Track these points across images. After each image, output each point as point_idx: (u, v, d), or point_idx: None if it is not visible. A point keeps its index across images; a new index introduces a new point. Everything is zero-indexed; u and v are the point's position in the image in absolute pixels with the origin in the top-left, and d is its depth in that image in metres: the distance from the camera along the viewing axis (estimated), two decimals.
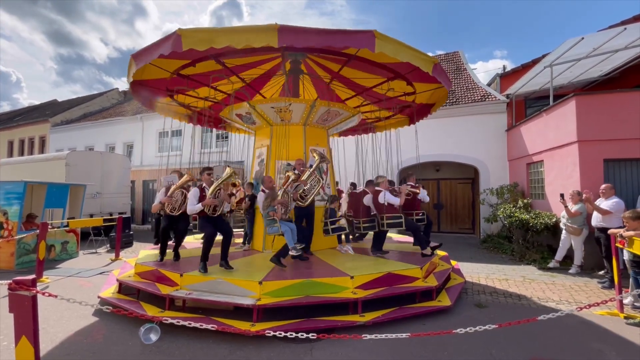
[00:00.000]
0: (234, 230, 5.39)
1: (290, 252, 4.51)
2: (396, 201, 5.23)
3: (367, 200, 5.48)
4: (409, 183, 5.99)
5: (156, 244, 5.85)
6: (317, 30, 3.93)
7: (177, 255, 5.09)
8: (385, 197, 5.23)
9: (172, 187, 4.93)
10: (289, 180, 5.05)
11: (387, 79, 5.83)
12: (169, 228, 5.13)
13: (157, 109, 6.96)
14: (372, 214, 5.51)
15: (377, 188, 5.45)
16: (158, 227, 5.87)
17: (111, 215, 10.54)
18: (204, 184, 4.57)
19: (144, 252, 5.68)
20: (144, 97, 6.23)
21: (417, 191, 5.79)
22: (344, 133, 8.83)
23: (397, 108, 6.96)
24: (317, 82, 6.86)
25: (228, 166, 4.83)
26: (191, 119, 7.72)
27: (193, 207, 4.36)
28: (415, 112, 7.20)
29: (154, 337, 3.34)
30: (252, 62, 5.90)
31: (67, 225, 7.64)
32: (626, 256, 4.25)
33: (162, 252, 5.04)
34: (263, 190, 4.84)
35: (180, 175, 5.28)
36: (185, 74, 5.68)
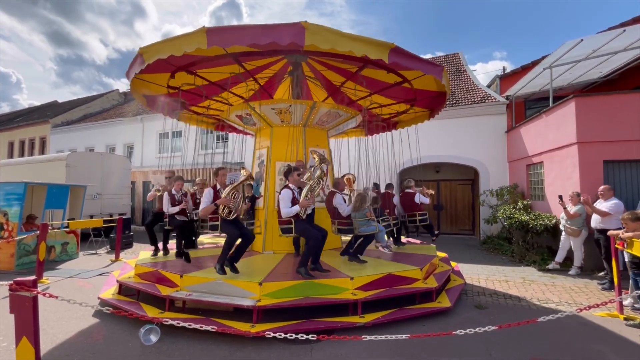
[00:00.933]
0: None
1: (383, 249, 5.53)
2: (427, 201, 6.21)
3: (396, 200, 6.29)
4: (422, 188, 6.61)
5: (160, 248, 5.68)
6: (242, 28, 3.79)
7: (187, 256, 4.99)
8: (420, 199, 6.16)
9: (227, 188, 4.39)
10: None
11: (359, 68, 5.36)
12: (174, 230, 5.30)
13: (184, 118, 7.46)
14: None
15: (409, 190, 6.30)
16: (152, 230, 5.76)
17: (111, 216, 10.54)
18: (217, 185, 4.58)
19: (144, 253, 5.69)
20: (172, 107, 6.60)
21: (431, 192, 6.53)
22: (369, 132, 8.35)
23: (409, 101, 6.78)
24: (326, 84, 6.81)
25: (243, 168, 4.69)
26: (218, 126, 8.41)
27: (206, 206, 4.34)
28: (431, 102, 6.74)
29: (154, 338, 3.34)
30: (263, 64, 5.95)
31: (67, 226, 7.64)
32: (626, 258, 4.26)
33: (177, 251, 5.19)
34: (339, 193, 4.89)
35: (174, 177, 5.49)
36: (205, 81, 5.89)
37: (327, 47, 3.77)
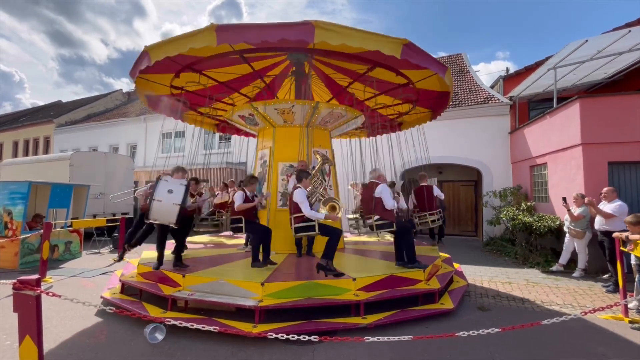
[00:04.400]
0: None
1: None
2: (442, 196, 5.97)
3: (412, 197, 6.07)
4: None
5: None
6: (253, 26, 3.79)
7: (179, 259, 4.81)
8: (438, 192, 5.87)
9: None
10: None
11: (367, 69, 5.35)
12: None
13: (189, 120, 7.53)
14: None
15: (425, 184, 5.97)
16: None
17: (114, 215, 10.58)
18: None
19: (147, 253, 5.70)
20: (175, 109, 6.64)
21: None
22: (373, 133, 8.39)
23: (410, 101, 6.71)
24: (331, 84, 6.81)
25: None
26: (220, 128, 8.48)
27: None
28: (434, 103, 6.70)
29: (159, 336, 3.35)
30: (267, 65, 5.97)
31: (70, 226, 7.68)
32: (633, 260, 4.22)
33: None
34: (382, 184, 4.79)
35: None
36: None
37: (337, 42, 3.76)
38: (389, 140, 7.47)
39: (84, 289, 5.30)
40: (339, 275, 4.09)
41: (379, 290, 4.06)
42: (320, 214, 4.20)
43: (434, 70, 4.65)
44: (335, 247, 4.25)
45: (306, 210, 4.15)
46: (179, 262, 4.67)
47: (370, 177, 4.82)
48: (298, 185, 4.38)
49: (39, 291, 2.32)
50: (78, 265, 7.08)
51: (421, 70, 4.90)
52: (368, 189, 4.70)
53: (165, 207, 4.05)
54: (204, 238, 7.58)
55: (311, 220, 4.17)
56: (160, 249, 4.57)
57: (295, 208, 4.24)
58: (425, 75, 5.30)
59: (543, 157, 8.08)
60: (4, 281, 5.38)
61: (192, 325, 2.46)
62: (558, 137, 7.29)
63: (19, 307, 2.32)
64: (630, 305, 4.21)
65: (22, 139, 22.20)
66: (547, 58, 8.53)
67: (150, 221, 4.23)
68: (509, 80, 11.21)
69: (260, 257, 4.52)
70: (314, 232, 4.23)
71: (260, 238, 4.60)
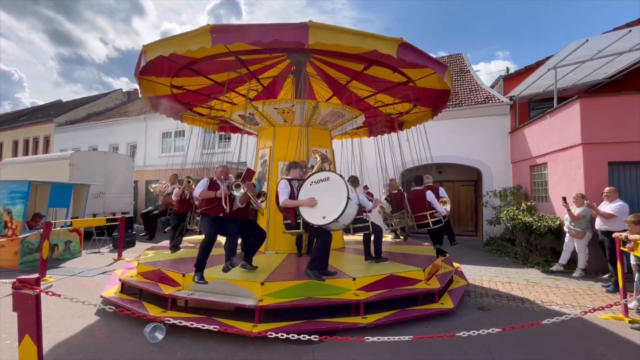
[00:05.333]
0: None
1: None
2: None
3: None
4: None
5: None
6: (248, 27, 3.82)
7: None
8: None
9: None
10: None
11: (364, 67, 5.37)
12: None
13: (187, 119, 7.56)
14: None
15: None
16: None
17: (114, 215, 10.57)
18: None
19: (147, 252, 5.70)
20: (175, 109, 6.69)
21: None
22: (373, 133, 8.41)
23: (410, 100, 6.66)
24: (332, 84, 6.81)
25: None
26: (220, 127, 8.63)
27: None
28: (434, 101, 6.71)
29: (159, 335, 3.35)
30: (267, 65, 5.96)
31: (70, 225, 7.68)
32: (632, 260, 4.22)
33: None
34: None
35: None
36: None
37: (330, 42, 3.77)
38: (390, 139, 7.48)
39: (83, 288, 5.30)
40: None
41: (378, 290, 4.06)
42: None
43: (432, 69, 4.67)
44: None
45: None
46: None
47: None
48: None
49: (38, 290, 2.31)
50: (78, 264, 7.08)
51: (421, 68, 4.91)
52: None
53: (353, 210, 3.84)
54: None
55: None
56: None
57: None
58: (425, 74, 5.30)
59: (543, 157, 8.08)
60: (4, 280, 5.38)
61: (192, 325, 2.46)
62: (558, 137, 7.29)
63: (18, 306, 2.32)
64: (630, 305, 4.21)
65: (22, 138, 22.19)
66: (548, 58, 8.52)
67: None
68: (509, 80, 11.20)
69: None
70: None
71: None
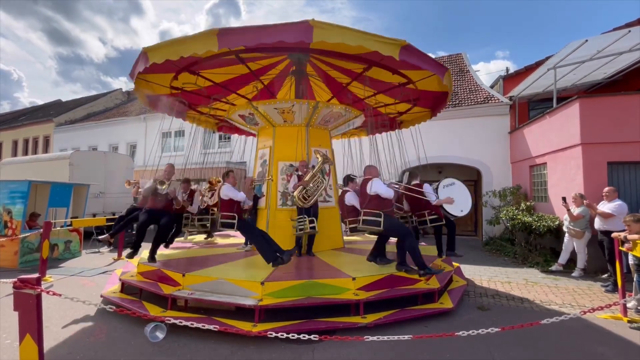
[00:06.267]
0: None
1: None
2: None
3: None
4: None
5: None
6: (252, 28, 3.80)
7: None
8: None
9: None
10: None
11: (364, 68, 5.39)
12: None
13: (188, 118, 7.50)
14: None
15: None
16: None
17: (114, 215, 10.57)
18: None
19: (147, 252, 5.69)
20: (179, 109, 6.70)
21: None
22: (373, 132, 8.37)
23: (409, 100, 6.66)
24: (332, 84, 6.80)
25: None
26: (220, 127, 8.56)
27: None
28: (433, 102, 6.71)
29: (160, 335, 3.35)
30: (267, 64, 5.96)
31: (70, 225, 7.68)
32: (631, 260, 4.23)
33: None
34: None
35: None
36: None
37: (335, 41, 3.79)
38: (389, 139, 7.48)
39: (83, 288, 5.30)
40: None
41: (378, 290, 4.07)
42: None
43: (433, 72, 4.70)
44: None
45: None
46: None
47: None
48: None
49: (39, 290, 2.32)
50: (78, 264, 7.08)
51: (421, 70, 4.92)
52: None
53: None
54: (201, 237, 7.57)
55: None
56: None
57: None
58: (425, 75, 5.31)
59: (543, 157, 8.09)
60: (4, 280, 5.39)
61: (192, 324, 2.47)
62: (558, 137, 7.30)
63: (19, 306, 2.33)
64: (629, 305, 4.22)
65: (21, 138, 22.18)
66: (547, 58, 8.53)
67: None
68: (509, 80, 11.21)
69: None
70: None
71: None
